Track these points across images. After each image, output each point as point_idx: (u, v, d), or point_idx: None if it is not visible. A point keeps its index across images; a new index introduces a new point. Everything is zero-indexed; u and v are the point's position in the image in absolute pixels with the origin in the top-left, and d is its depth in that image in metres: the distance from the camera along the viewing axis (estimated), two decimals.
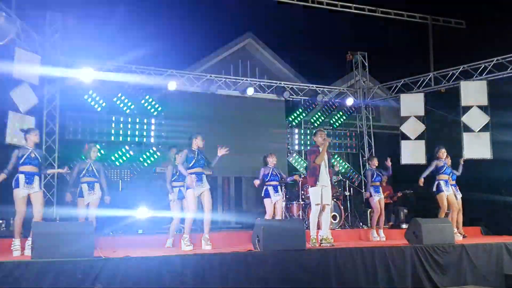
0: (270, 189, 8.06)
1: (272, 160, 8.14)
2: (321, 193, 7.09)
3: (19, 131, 6.56)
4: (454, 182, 8.99)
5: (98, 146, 7.55)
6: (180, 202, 7.36)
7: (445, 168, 8.65)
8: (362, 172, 12.45)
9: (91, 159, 7.27)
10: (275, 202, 8.07)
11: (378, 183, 8.96)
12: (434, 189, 8.66)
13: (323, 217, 7.22)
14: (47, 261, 5.02)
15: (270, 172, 8.09)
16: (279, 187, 8.19)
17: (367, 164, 9.46)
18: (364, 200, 10.96)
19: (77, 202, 7.23)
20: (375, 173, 8.91)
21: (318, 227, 7.29)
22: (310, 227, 7.18)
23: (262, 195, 8.18)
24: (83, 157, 7.33)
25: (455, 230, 8.25)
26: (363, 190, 11.67)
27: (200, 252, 6.21)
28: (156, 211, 8.90)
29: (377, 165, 9.02)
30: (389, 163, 9.08)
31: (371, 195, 8.83)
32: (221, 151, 6.85)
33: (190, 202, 6.74)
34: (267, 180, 8.11)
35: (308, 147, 12.52)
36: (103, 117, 10.41)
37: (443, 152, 8.74)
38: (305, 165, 11.83)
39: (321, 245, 6.98)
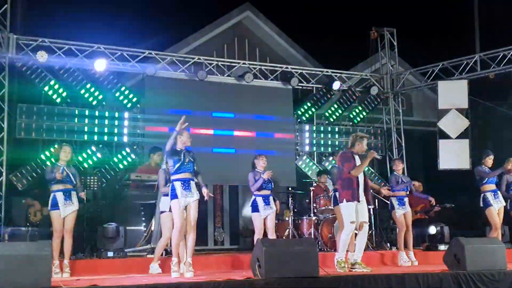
0: (259, 200, 8.00)
1: (261, 163, 8.13)
2: (356, 209, 7.27)
3: None
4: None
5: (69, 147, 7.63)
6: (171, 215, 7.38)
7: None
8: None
9: (64, 163, 7.37)
10: (265, 217, 8.04)
11: (404, 193, 8.95)
12: (481, 204, 8.83)
13: (359, 237, 7.44)
14: None
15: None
16: (271, 197, 8.12)
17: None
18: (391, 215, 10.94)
19: (50, 217, 7.32)
20: (401, 180, 8.95)
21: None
22: (339, 249, 7.36)
23: (250, 206, 8.17)
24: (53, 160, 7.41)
25: None
26: None
27: (185, 280, 6.22)
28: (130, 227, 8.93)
29: (401, 169, 9.04)
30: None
31: (393, 208, 8.88)
32: (206, 194, 7.00)
33: (174, 215, 6.79)
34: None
35: (322, 148, 12.56)
36: (63, 110, 10.40)
37: (491, 159, 8.86)
38: (317, 170, 11.80)
39: (352, 270, 7.19)
